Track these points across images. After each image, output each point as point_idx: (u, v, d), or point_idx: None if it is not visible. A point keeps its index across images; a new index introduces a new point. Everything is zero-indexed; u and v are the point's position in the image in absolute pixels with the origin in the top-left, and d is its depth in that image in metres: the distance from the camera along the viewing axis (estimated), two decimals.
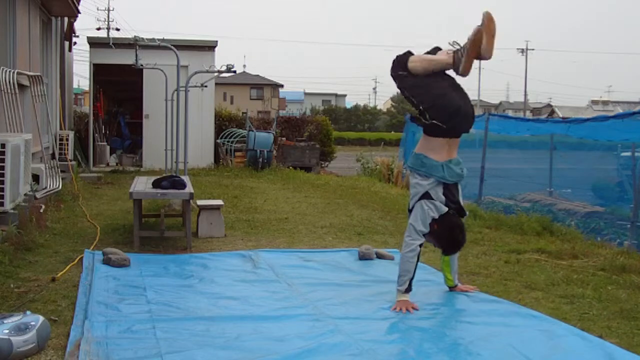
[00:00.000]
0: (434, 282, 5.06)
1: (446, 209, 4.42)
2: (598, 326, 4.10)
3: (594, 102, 62.53)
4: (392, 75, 4.59)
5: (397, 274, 4.46)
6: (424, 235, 4.42)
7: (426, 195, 4.41)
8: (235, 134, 16.30)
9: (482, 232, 7.43)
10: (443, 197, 4.42)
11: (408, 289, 4.41)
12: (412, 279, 4.41)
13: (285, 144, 17.04)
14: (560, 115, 46.80)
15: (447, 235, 4.48)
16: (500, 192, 10.62)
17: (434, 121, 4.37)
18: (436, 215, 4.40)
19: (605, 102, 62.08)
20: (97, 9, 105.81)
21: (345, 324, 3.95)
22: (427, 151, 4.46)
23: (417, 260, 4.43)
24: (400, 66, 4.51)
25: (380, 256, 5.95)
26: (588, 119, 8.68)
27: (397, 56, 4.58)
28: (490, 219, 8.11)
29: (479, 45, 4.26)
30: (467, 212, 4.72)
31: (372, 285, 4.96)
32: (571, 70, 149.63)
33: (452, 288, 4.82)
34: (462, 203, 4.61)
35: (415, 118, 4.61)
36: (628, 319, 4.26)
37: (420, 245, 4.43)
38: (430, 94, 4.41)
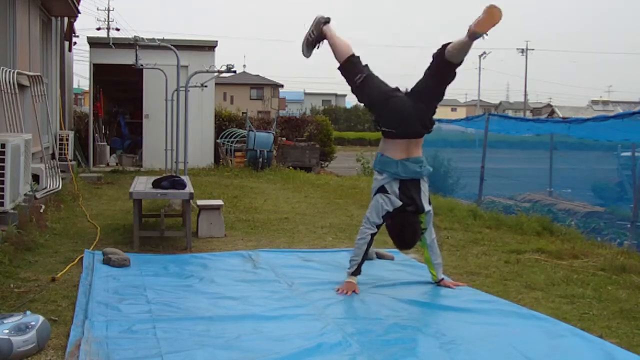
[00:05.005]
0: (433, 283, 5.06)
1: (400, 202, 4.69)
2: (598, 326, 4.10)
3: (594, 102, 62.53)
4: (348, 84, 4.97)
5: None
6: (377, 226, 4.74)
7: (382, 189, 4.74)
8: (235, 134, 16.30)
9: (482, 232, 7.43)
10: (397, 192, 4.70)
11: (356, 272, 4.78)
12: (361, 263, 4.78)
13: (285, 144, 17.03)
14: (560, 115, 46.77)
15: (397, 231, 4.77)
16: (500, 192, 10.63)
17: (383, 128, 4.77)
18: (390, 209, 4.70)
19: (605, 102, 62.07)
20: (97, 9, 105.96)
21: (345, 324, 3.95)
22: (384, 150, 4.81)
23: (367, 248, 4.77)
24: (350, 74, 4.85)
25: (380, 256, 5.95)
26: (588, 119, 8.66)
27: (342, 65, 4.90)
28: (490, 219, 8.10)
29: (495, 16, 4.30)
30: (427, 209, 4.81)
31: (372, 285, 4.96)
32: (571, 70, 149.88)
33: (438, 283, 4.98)
34: (422, 200, 4.77)
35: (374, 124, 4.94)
36: (628, 319, 4.26)
37: (373, 235, 4.76)
38: (375, 105, 4.83)
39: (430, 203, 4.87)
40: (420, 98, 4.71)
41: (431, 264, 5.00)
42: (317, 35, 5.02)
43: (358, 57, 4.92)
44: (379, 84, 4.85)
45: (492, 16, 4.28)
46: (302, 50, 5.13)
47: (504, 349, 3.58)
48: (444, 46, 4.61)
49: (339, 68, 4.94)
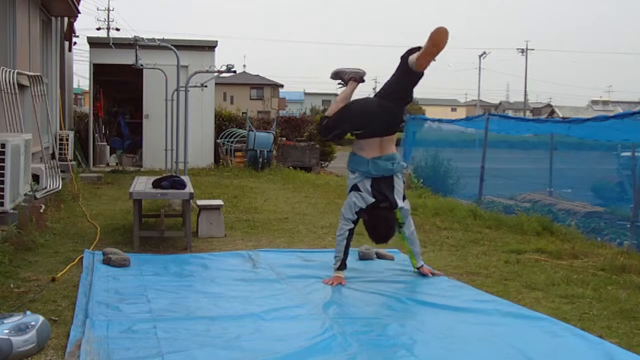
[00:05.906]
0: (433, 282, 5.07)
1: (373, 199, 4.90)
2: (598, 326, 4.10)
3: (594, 102, 62.52)
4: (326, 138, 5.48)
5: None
6: (353, 222, 5.00)
7: (354, 187, 4.99)
8: (235, 134, 16.30)
9: (482, 232, 7.43)
10: (370, 189, 4.91)
11: (341, 267, 5.01)
12: (344, 258, 5.01)
13: (285, 144, 17.02)
14: (560, 115, 46.78)
15: (373, 227, 4.97)
16: (500, 192, 10.62)
17: (354, 132, 5.04)
18: (363, 205, 4.93)
19: (605, 102, 62.07)
20: (97, 9, 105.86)
21: (345, 324, 3.95)
22: (357, 150, 5.06)
23: (347, 243, 5.02)
24: (323, 121, 5.27)
25: (380, 256, 5.95)
26: (588, 119, 8.66)
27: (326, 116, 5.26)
28: (490, 219, 8.10)
29: (435, 45, 4.54)
30: (402, 205, 5.04)
31: (371, 285, 4.96)
32: (571, 70, 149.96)
33: (418, 269, 5.29)
34: (394, 197, 4.97)
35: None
36: (628, 319, 4.27)
37: (350, 230, 5.02)
38: (342, 121, 5.07)
39: (405, 199, 5.11)
40: (387, 97, 4.98)
41: (412, 254, 5.30)
42: (343, 79, 5.34)
43: None
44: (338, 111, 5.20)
45: (436, 46, 4.50)
46: (332, 74, 5.46)
47: (504, 349, 3.58)
48: (410, 52, 4.81)
49: (323, 118, 5.35)
